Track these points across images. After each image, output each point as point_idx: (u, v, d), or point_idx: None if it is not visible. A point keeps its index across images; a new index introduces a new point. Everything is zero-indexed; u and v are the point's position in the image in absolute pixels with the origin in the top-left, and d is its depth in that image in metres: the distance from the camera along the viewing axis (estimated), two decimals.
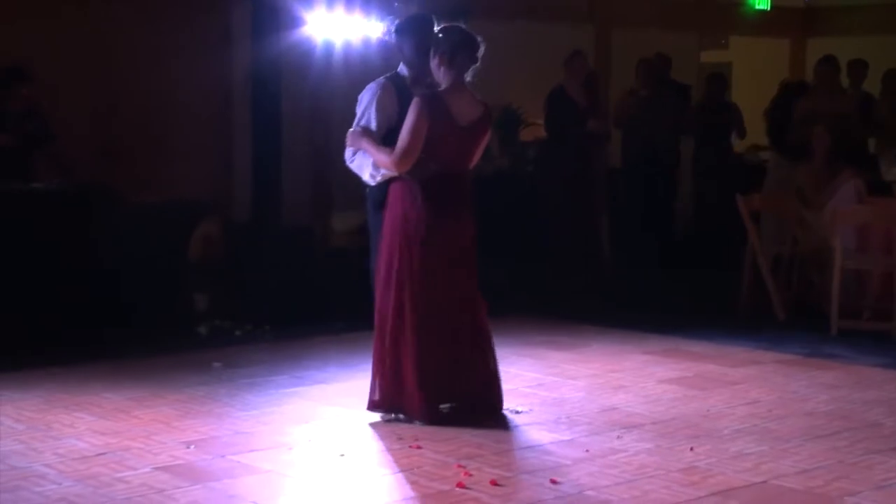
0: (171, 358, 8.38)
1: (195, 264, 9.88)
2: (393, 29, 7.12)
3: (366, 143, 6.84)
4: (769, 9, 16.63)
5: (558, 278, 11.41)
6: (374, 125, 6.88)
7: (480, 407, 6.88)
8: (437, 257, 6.76)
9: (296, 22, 10.09)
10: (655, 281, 11.79)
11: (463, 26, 6.87)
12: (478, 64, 6.80)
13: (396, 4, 7.92)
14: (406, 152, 6.66)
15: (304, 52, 10.61)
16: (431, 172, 6.73)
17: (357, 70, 10.50)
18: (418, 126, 6.64)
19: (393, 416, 6.82)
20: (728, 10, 16.29)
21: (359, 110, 6.98)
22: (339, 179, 11.16)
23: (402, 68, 7.03)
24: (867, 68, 13.30)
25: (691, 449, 6.28)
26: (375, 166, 6.84)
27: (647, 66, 13.17)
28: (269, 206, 9.92)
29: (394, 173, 6.77)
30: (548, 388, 7.60)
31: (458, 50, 6.74)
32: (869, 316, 9.67)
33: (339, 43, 10.40)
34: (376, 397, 6.86)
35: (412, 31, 6.99)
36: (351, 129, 6.97)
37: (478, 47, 6.79)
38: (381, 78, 7.01)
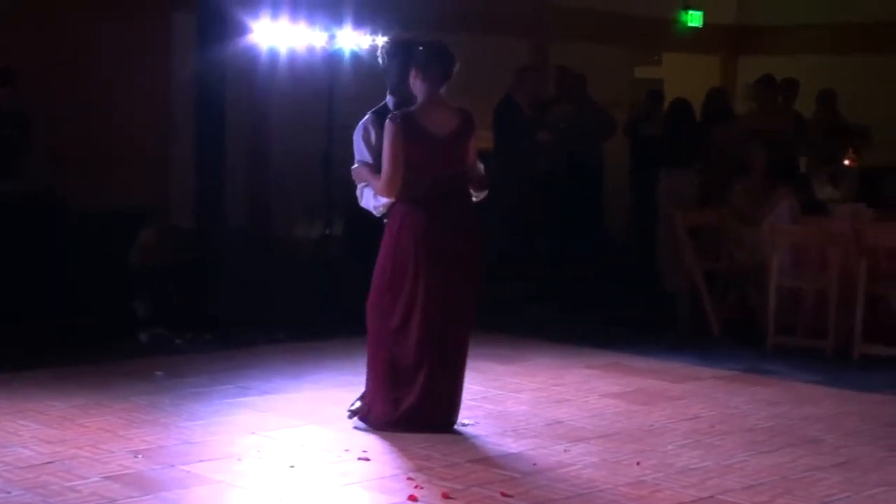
0: (113, 366, 8.34)
1: (136, 271, 9.81)
2: (381, 53, 7.06)
3: (365, 174, 6.92)
4: (702, 26, 16.87)
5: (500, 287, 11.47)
6: (368, 159, 6.95)
7: (437, 423, 6.87)
8: (438, 272, 6.79)
9: (241, 29, 10.06)
10: (592, 293, 11.90)
11: (441, 42, 6.93)
12: (451, 77, 6.84)
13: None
14: (389, 178, 6.75)
15: (248, 60, 10.61)
16: (427, 188, 6.78)
17: (302, 78, 10.56)
18: (394, 150, 6.71)
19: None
20: (662, 27, 16.51)
21: (354, 151, 7.05)
22: (281, 187, 11.22)
23: (389, 98, 7.05)
24: (798, 87, 13.53)
25: (638, 463, 6.36)
26: (376, 196, 6.90)
27: (563, 73, 13.30)
28: (210, 212, 9.88)
29: (391, 199, 6.84)
30: (492, 402, 7.65)
31: (431, 63, 6.81)
32: (803, 333, 9.82)
33: (283, 51, 10.39)
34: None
35: (396, 55, 6.98)
36: (352, 167, 7.04)
37: (452, 61, 6.84)
38: (367, 114, 7.05)
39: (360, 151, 7.00)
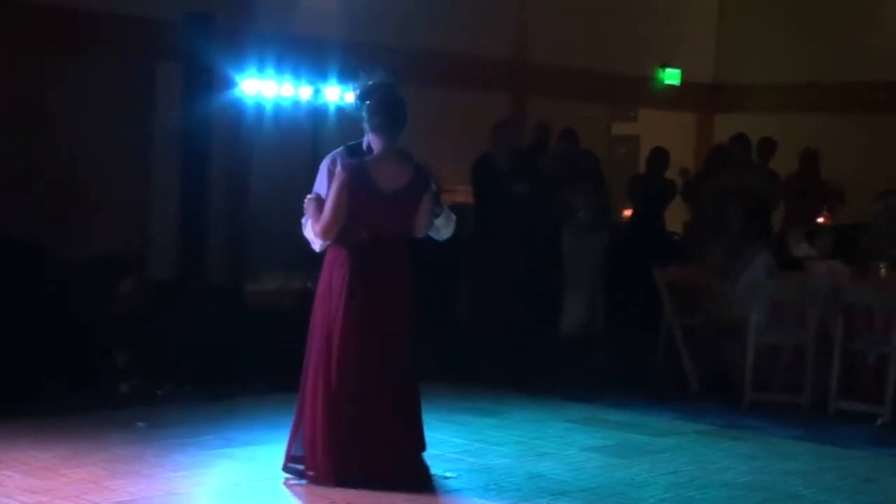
0: (94, 416, 8.32)
1: (115, 321, 9.81)
2: (354, 97, 7.08)
3: (311, 209, 6.90)
4: (679, 84, 17.06)
5: (475, 345, 11.53)
6: (324, 192, 6.94)
7: (404, 485, 6.77)
8: (361, 326, 6.75)
9: (226, 82, 10.14)
10: (569, 347, 11.97)
11: (389, 90, 6.86)
12: (402, 129, 6.81)
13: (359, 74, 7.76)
14: (327, 223, 6.75)
15: (233, 113, 10.69)
16: (361, 241, 6.79)
17: (286, 132, 10.64)
18: (338, 198, 6.72)
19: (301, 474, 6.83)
20: (639, 84, 16.69)
21: (316, 180, 7.07)
22: (263, 239, 11.25)
23: (366, 138, 7.06)
24: (776, 147, 13.71)
25: None
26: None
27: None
28: (192, 264, 9.90)
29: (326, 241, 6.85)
30: (474, 455, 7.68)
31: (378, 116, 6.78)
32: (780, 388, 9.89)
33: (268, 104, 10.48)
34: (297, 453, 6.89)
35: (366, 99, 6.95)
36: (307, 197, 7.01)
37: (400, 111, 6.80)
38: (341, 147, 7.07)
39: (320, 183, 7.00)
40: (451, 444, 7.91)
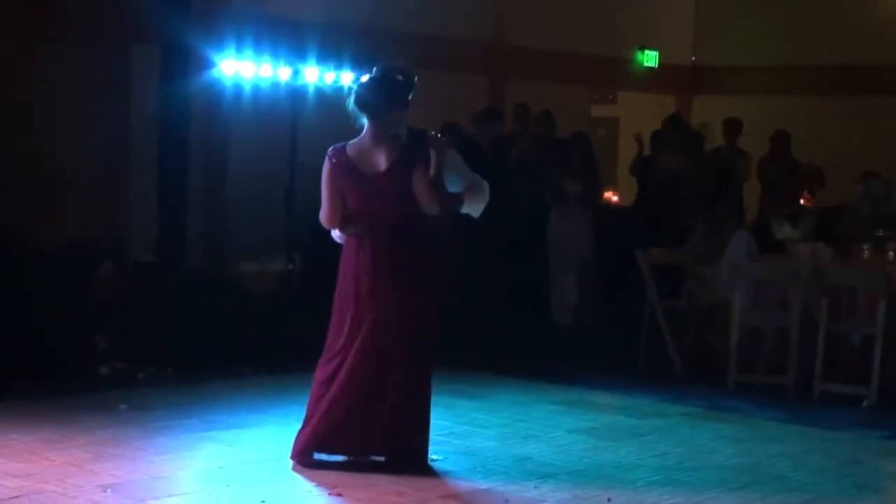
0: (75, 399, 8.23)
1: (95, 304, 9.72)
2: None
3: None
4: (657, 66, 17.04)
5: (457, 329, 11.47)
6: None
7: (402, 462, 6.76)
8: (368, 310, 6.69)
9: (204, 64, 10.04)
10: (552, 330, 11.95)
11: (379, 73, 6.75)
12: (387, 108, 6.66)
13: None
14: (324, 213, 6.78)
15: (212, 95, 10.60)
16: (365, 226, 6.73)
17: (265, 114, 10.55)
18: (326, 187, 6.74)
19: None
20: (617, 67, 16.66)
21: None
22: (243, 221, 11.17)
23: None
24: (741, 126, 13.74)
25: (608, 500, 6.36)
26: None
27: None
28: (172, 246, 9.82)
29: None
30: (460, 437, 7.62)
31: (357, 97, 6.71)
32: (764, 370, 9.87)
33: (247, 86, 10.38)
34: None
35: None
36: None
37: (380, 91, 6.66)
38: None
39: None
40: (437, 426, 7.77)
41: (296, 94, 10.38)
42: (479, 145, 12.22)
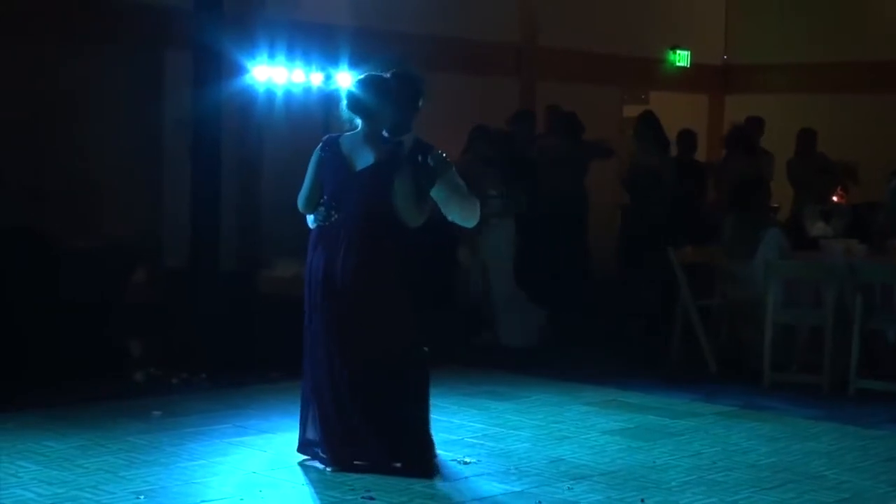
0: (109, 405, 8.26)
1: (129, 310, 9.76)
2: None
3: None
4: (689, 66, 17.00)
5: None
6: None
7: (411, 471, 6.70)
8: (333, 305, 6.71)
9: (237, 68, 10.08)
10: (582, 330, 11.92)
11: (372, 73, 6.93)
12: (376, 107, 6.77)
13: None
14: (301, 196, 6.91)
15: (244, 99, 10.65)
16: (333, 220, 6.77)
17: (298, 118, 10.57)
18: (312, 169, 6.87)
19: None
20: (649, 67, 16.63)
21: None
22: (275, 227, 11.18)
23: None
24: (763, 125, 13.68)
25: (642, 501, 6.34)
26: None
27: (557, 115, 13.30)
28: (205, 251, 9.82)
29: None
30: (493, 439, 7.61)
31: (352, 99, 6.87)
32: (798, 368, 9.82)
33: (280, 91, 10.43)
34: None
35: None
36: None
37: (374, 93, 6.79)
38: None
39: None
40: (470, 428, 7.86)
41: (329, 100, 10.38)
42: (514, 146, 12.19)
